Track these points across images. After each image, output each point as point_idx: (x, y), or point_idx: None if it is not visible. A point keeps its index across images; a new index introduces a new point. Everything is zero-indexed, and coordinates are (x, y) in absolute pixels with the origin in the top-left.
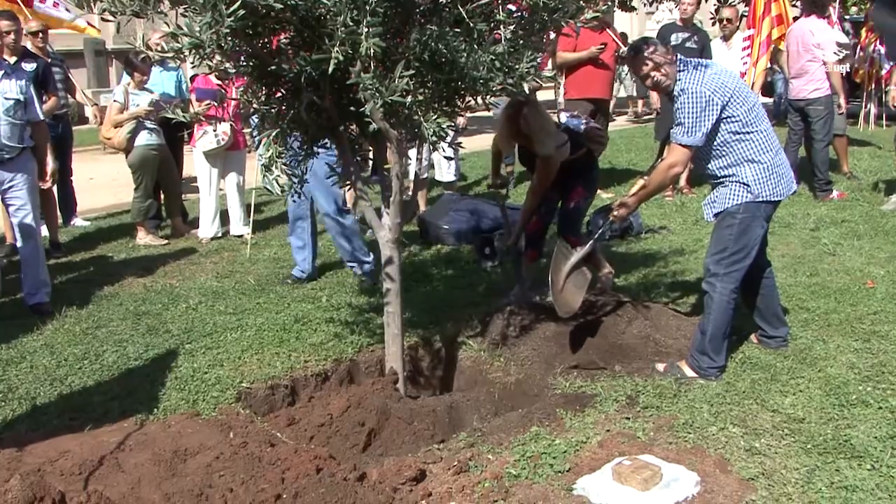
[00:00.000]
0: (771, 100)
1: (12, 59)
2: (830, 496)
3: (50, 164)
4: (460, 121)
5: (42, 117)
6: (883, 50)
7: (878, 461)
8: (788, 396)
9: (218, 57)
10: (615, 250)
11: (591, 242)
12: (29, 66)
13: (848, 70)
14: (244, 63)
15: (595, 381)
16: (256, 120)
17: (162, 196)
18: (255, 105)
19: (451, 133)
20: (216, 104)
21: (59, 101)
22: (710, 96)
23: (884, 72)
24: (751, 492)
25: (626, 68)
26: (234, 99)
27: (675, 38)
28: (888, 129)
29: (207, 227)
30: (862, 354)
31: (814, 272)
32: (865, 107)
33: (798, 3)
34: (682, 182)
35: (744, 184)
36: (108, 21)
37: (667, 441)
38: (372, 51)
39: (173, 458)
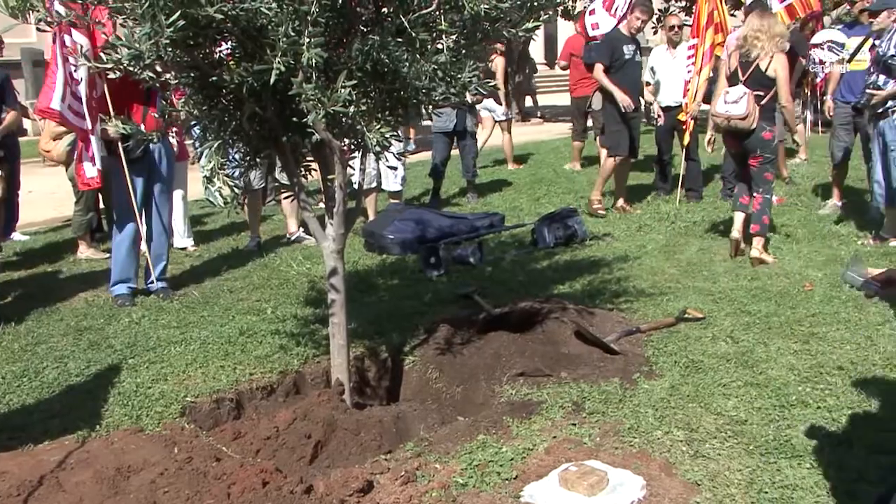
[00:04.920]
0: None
1: None
2: (772, 496)
3: None
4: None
5: None
6: (817, 59)
7: (817, 460)
8: (731, 399)
9: (158, 67)
10: (560, 258)
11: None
12: None
13: None
14: (185, 74)
15: (541, 388)
16: (198, 131)
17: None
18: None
19: (394, 143)
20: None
21: (18, 114)
22: None
23: (818, 80)
24: (695, 494)
25: None
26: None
27: (627, 51)
28: (823, 135)
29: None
30: (801, 356)
31: (755, 276)
32: (802, 113)
33: (735, 13)
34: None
35: None
36: (44, 31)
37: (613, 446)
38: (314, 61)
39: (116, 475)
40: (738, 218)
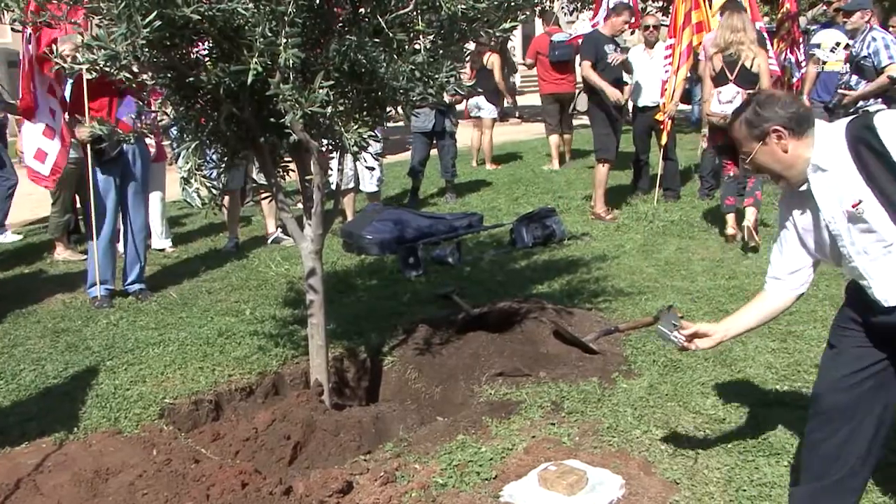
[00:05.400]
0: (689, 107)
1: None
2: (750, 494)
3: None
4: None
5: None
6: (793, 59)
7: (796, 458)
8: (710, 398)
9: (135, 67)
10: (538, 258)
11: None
12: None
13: None
14: (162, 75)
15: (520, 387)
16: (176, 132)
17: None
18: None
19: (372, 143)
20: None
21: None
22: None
23: (794, 80)
24: (674, 493)
25: None
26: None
27: (609, 51)
28: None
29: None
30: (779, 354)
31: (732, 275)
32: None
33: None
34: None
35: None
36: (18, 31)
37: (592, 445)
38: (291, 62)
39: (94, 477)
40: (731, 218)
